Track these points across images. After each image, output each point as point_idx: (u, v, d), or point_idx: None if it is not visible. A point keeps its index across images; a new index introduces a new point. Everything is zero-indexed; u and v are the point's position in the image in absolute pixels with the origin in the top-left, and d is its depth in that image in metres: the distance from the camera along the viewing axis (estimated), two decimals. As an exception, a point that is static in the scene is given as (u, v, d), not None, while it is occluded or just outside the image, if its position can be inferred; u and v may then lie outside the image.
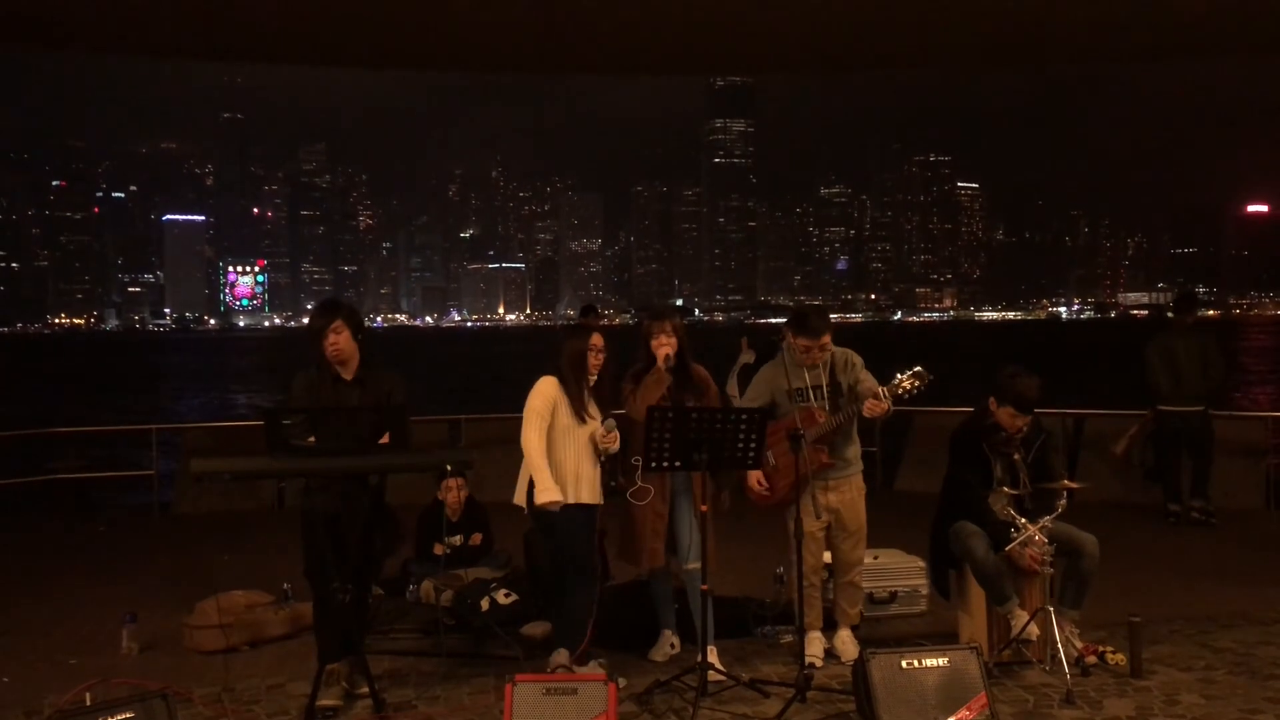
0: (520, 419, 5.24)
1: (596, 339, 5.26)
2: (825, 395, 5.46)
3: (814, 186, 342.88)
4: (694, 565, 5.31)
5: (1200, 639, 5.79)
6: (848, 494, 5.55)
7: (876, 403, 5.21)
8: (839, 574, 5.65)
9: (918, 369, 5.19)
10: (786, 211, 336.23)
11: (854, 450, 5.60)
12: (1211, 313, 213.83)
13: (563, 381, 5.23)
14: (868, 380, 5.43)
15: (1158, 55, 12.07)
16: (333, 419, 4.88)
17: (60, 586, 7.45)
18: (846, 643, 5.56)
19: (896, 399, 5.22)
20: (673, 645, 5.67)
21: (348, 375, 5.08)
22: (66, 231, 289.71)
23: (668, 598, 5.70)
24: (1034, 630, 5.23)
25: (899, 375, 5.21)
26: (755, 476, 5.42)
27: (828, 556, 5.92)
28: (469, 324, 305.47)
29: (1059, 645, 5.02)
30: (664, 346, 5.39)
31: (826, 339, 5.42)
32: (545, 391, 5.21)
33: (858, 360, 5.54)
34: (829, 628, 5.69)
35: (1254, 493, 9.80)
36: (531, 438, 5.14)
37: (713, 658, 5.16)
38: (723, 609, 5.83)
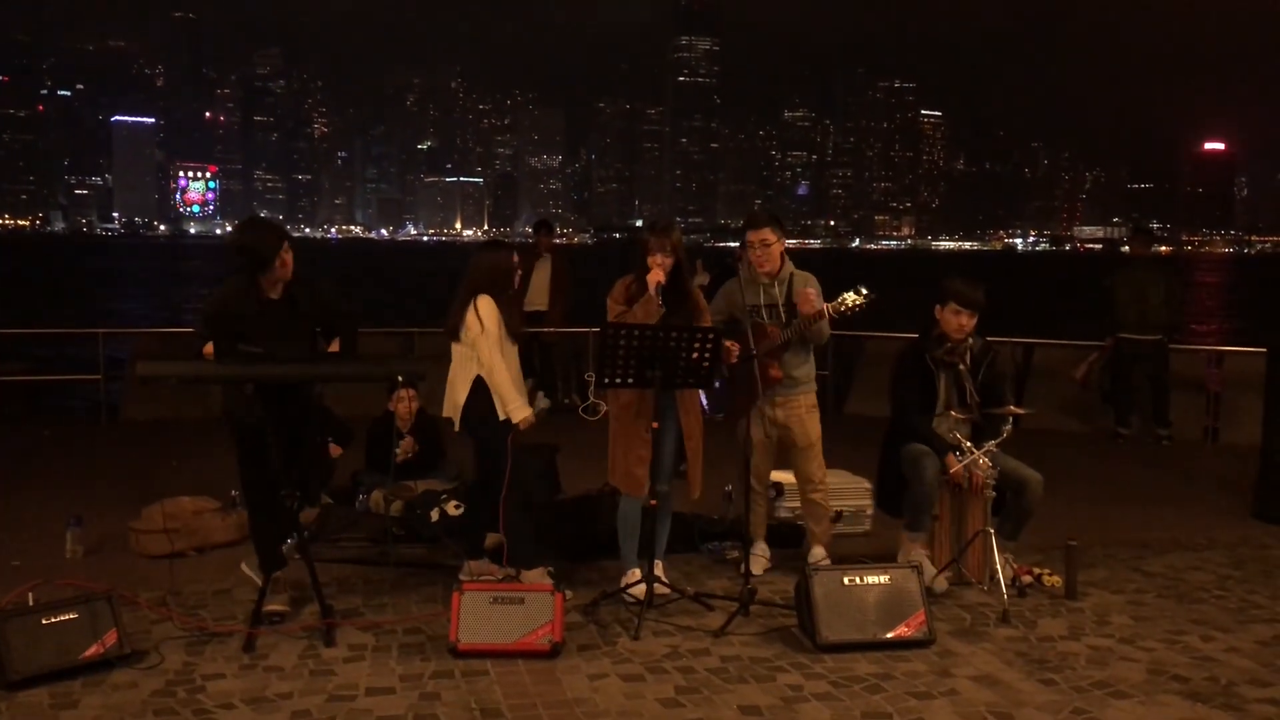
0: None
1: (515, 257, 5.32)
2: (781, 313, 5.53)
3: (778, 110, 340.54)
4: (663, 488, 5.28)
5: (1134, 563, 5.96)
6: (796, 410, 5.61)
7: (808, 300, 5.31)
8: (801, 491, 5.75)
9: (861, 289, 5.25)
10: (750, 134, 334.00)
11: (805, 370, 5.65)
12: (1164, 249, 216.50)
13: (495, 300, 5.20)
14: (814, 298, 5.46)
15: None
16: (273, 329, 4.77)
17: (4, 489, 7.36)
18: (820, 561, 5.62)
19: (840, 315, 5.30)
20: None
21: (275, 295, 4.86)
22: (10, 129, 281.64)
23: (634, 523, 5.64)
24: (929, 571, 5.26)
25: (845, 294, 5.27)
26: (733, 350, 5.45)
27: (779, 475, 6.00)
28: (425, 238, 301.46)
29: (997, 567, 5.14)
30: (657, 268, 5.13)
31: (767, 233, 5.47)
32: (495, 312, 5.16)
33: (814, 283, 5.56)
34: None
35: (1194, 423, 10.05)
36: (499, 359, 5.13)
37: (659, 572, 5.22)
38: (671, 525, 5.87)
